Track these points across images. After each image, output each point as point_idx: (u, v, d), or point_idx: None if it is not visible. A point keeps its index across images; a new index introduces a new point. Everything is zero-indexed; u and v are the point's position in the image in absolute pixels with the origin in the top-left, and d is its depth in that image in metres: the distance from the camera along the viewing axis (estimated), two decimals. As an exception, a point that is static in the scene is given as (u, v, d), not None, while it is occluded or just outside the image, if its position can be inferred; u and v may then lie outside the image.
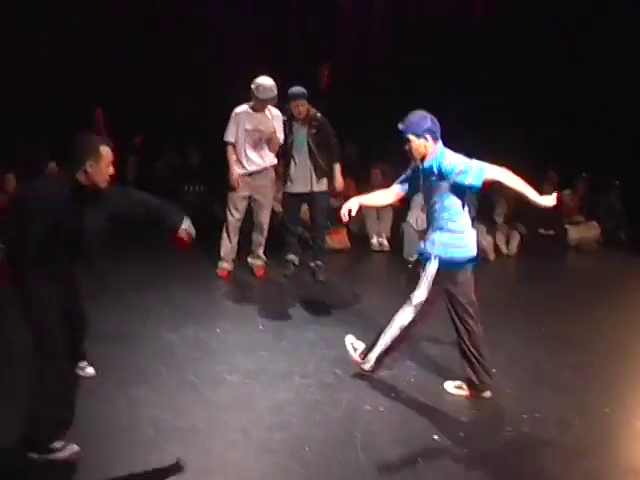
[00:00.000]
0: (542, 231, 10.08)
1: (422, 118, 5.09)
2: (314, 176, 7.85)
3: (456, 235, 5.10)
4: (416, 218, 8.94)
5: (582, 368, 6.04)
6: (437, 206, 5.10)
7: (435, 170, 5.02)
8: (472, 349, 5.22)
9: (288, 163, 7.92)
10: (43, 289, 4.26)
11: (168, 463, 4.44)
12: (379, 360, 5.47)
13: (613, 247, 10.32)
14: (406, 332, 5.32)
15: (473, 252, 5.19)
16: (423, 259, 5.19)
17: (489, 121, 11.04)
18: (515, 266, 9.38)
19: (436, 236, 5.12)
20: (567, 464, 4.58)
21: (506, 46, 11.57)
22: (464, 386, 5.37)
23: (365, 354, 5.49)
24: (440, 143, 5.12)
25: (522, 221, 9.88)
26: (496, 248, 9.45)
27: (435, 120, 5.11)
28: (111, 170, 4.31)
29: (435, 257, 5.11)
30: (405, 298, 5.23)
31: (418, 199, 5.15)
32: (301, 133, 7.82)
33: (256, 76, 7.46)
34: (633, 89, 10.72)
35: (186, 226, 4.65)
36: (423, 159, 5.11)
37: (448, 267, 5.13)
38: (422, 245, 5.24)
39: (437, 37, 11.95)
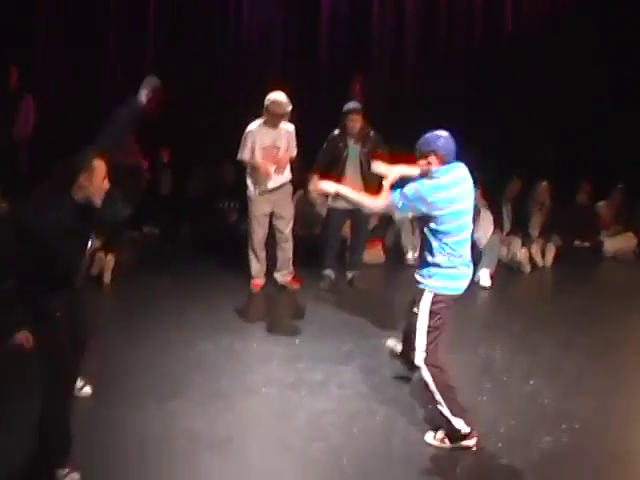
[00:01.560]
0: (578, 243, 10.01)
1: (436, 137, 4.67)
2: (363, 192, 7.79)
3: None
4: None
5: (621, 372, 6.05)
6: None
7: None
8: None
9: (339, 177, 7.69)
10: (51, 305, 4.18)
11: (203, 474, 4.49)
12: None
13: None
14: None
15: None
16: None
17: (520, 137, 11.02)
18: (551, 277, 9.29)
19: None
20: (607, 470, 4.59)
21: (535, 62, 11.52)
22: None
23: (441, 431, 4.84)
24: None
25: (557, 233, 9.80)
26: (531, 260, 9.37)
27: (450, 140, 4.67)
28: (106, 185, 4.13)
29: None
30: None
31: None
32: (354, 148, 7.85)
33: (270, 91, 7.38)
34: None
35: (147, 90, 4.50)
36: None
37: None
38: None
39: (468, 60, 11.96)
